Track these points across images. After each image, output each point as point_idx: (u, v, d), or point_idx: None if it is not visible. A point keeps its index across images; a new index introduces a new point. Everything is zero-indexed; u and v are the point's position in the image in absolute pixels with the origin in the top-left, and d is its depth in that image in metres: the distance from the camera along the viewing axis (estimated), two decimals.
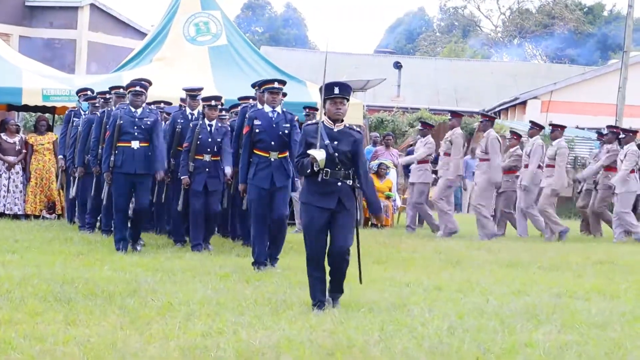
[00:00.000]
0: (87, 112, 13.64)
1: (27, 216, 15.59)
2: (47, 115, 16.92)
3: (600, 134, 17.00)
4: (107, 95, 13.16)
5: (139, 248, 11.52)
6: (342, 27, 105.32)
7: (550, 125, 16.41)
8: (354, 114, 14.11)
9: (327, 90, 7.52)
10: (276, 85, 10.36)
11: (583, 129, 28.49)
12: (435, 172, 16.30)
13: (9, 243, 11.52)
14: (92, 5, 31.92)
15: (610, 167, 15.74)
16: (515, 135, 16.49)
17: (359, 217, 7.95)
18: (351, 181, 7.54)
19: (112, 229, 11.81)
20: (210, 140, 11.71)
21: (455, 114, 16.03)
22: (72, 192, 13.86)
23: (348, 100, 7.62)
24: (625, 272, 10.83)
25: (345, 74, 26.40)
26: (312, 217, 7.53)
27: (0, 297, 7.57)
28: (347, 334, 6.56)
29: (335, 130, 7.55)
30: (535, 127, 15.89)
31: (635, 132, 16.27)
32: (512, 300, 8.31)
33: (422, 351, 6.12)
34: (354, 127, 7.76)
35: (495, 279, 9.88)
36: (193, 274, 9.41)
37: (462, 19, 66.98)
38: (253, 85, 12.06)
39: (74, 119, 14.09)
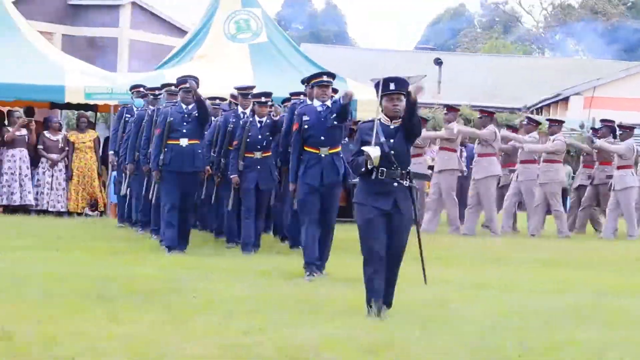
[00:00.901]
0: (140, 109, 13.45)
1: (69, 213, 15.74)
2: (89, 113, 17.05)
3: (594, 129, 16.83)
4: (157, 92, 13.04)
5: (185, 248, 11.25)
6: (382, 23, 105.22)
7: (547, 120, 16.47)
8: None
9: (384, 86, 7.19)
10: (325, 78, 10.00)
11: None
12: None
13: (52, 240, 11.63)
14: (134, 4, 32.09)
15: (606, 161, 15.54)
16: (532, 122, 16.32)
17: (417, 218, 7.48)
18: (408, 182, 7.23)
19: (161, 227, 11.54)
20: (260, 137, 11.46)
21: (452, 108, 16.02)
22: (124, 189, 13.74)
23: (405, 96, 7.24)
24: None
25: (384, 70, 26.32)
26: (369, 217, 7.20)
27: (42, 294, 7.63)
28: (388, 332, 6.54)
29: (392, 127, 7.23)
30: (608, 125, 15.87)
31: (632, 128, 16.12)
32: (554, 299, 8.25)
33: (463, 349, 6.08)
34: None
35: (536, 277, 9.82)
36: (234, 272, 9.44)
37: (503, 15, 66.51)
38: (303, 82, 11.74)
39: (127, 115, 13.97)
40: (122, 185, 13.81)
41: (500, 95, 37.31)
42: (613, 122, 16.49)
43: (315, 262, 9.59)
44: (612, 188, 15.13)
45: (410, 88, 7.14)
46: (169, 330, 6.49)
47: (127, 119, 13.85)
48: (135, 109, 13.74)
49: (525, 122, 16.24)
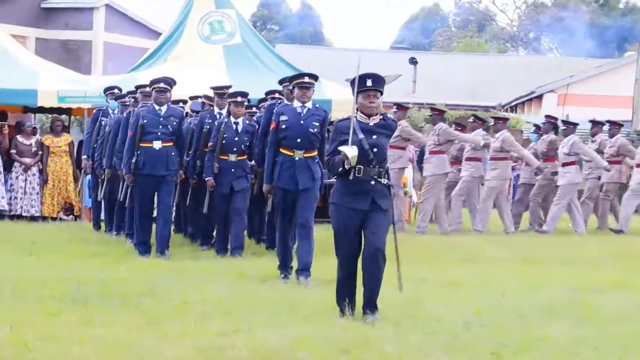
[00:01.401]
0: (115, 112, 13.13)
1: (44, 218, 15.65)
2: (63, 116, 16.98)
3: (537, 126, 16.95)
4: (137, 95, 12.56)
5: (167, 256, 10.88)
6: (357, 23, 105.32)
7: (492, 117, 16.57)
8: None
9: (360, 83, 6.99)
10: (306, 80, 9.61)
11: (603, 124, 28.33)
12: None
13: (26, 245, 11.56)
14: (108, 6, 31.98)
15: (550, 157, 15.64)
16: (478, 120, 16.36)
17: (395, 219, 7.24)
18: (386, 180, 7.03)
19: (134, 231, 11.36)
20: (236, 139, 11.16)
21: (436, 110, 16.12)
22: (100, 194, 13.43)
23: (382, 93, 7.11)
24: None
25: (360, 70, 26.30)
26: (344, 219, 7.04)
27: (16, 298, 7.59)
28: (362, 331, 6.56)
29: (371, 124, 7.06)
30: (551, 122, 15.92)
31: (575, 124, 16.30)
32: (528, 295, 8.30)
33: (437, 347, 6.11)
34: (389, 117, 7.29)
35: (511, 274, 9.86)
36: (209, 274, 9.42)
37: (477, 14, 66.77)
38: (281, 82, 11.59)
39: (102, 118, 13.56)
40: (99, 190, 13.53)
41: (475, 93, 37.46)
42: (556, 118, 16.66)
43: (290, 264, 9.47)
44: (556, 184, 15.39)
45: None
46: (143, 333, 6.46)
47: (102, 122, 13.53)
48: (111, 111, 13.46)
49: (471, 120, 16.22)
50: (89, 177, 15.94)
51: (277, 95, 11.85)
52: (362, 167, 6.94)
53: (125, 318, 6.93)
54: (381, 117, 7.12)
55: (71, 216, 15.93)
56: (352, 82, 7.05)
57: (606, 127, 16.40)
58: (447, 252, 12.06)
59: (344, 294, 7.13)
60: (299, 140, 9.41)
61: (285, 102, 10.67)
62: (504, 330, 6.62)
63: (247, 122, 11.39)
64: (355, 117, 7.07)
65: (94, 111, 14.26)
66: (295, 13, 69.12)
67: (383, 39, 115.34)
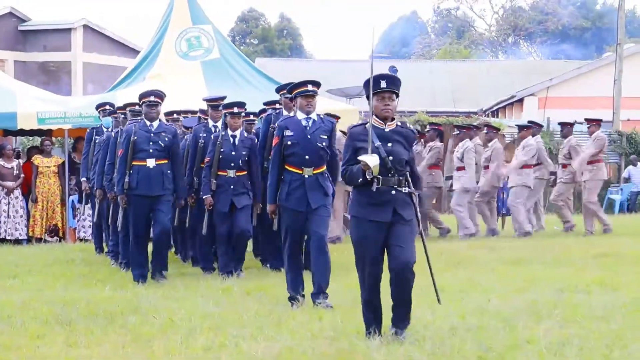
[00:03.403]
0: (109, 129, 12.34)
1: (29, 240, 15.60)
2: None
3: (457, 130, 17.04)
4: (126, 112, 11.89)
5: (163, 279, 10.29)
6: (336, 34, 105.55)
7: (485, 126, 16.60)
8: (350, 120, 14.12)
9: (373, 84, 6.51)
10: (310, 87, 8.71)
11: (581, 123, 28.46)
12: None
13: (10, 268, 11.52)
14: (85, 26, 31.97)
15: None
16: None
17: (421, 228, 6.76)
18: (407, 188, 6.58)
19: (130, 261, 10.71)
20: (234, 153, 10.47)
21: (435, 125, 16.31)
22: (95, 216, 12.87)
23: (398, 95, 6.64)
24: (627, 264, 10.84)
25: (341, 80, 26.40)
26: (366, 233, 6.54)
27: (1, 321, 7.58)
28: (348, 340, 6.57)
29: (387, 130, 6.62)
30: (594, 123, 15.98)
31: (497, 129, 16.43)
32: (514, 298, 8.32)
33: (424, 353, 6.12)
34: (407, 125, 6.82)
35: (497, 278, 9.88)
36: (195, 290, 9.40)
37: (455, 20, 67.03)
38: (278, 90, 11.20)
39: (96, 137, 12.92)
40: (93, 213, 13.03)
41: (457, 99, 37.59)
42: (540, 125, 16.81)
43: (300, 294, 8.50)
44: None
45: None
46: (129, 352, 6.47)
47: (96, 140, 12.82)
48: (105, 129, 12.72)
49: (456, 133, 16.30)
50: (72, 198, 15.95)
51: (277, 105, 11.39)
52: (380, 177, 6.48)
53: (111, 337, 6.93)
54: (399, 123, 6.72)
55: (55, 237, 15.88)
56: (366, 83, 6.59)
57: (584, 127, 16.47)
58: (433, 257, 12.00)
59: (371, 312, 6.68)
60: (307, 157, 8.56)
61: (284, 112, 10.43)
62: (489, 334, 6.65)
63: (246, 134, 10.74)
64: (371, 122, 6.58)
65: (87, 131, 13.69)
66: (274, 26, 69.22)
67: (362, 49, 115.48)
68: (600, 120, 16.42)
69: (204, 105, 11.83)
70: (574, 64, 38.62)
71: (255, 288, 9.39)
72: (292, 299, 8.47)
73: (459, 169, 15.38)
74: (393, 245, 6.52)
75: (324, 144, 8.64)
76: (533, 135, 15.72)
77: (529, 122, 16.72)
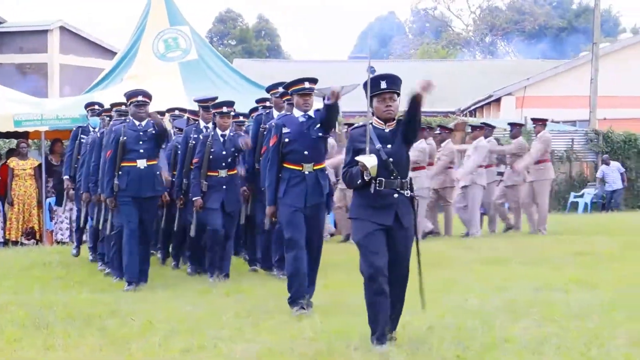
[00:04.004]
0: (96, 129, 12.02)
1: (5, 243, 15.51)
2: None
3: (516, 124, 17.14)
4: (112, 113, 11.62)
5: (142, 283, 9.98)
6: (315, 35, 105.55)
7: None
8: None
9: (373, 85, 6.34)
10: (307, 85, 8.49)
11: (558, 122, 28.63)
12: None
13: None
14: (62, 28, 31.86)
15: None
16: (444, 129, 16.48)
17: (419, 235, 6.56)
18: (409, 191, 6.40)
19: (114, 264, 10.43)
20: (224, 153, 10.33)
21: (445, 128, 16.39)
22: (82, 221, 12.52)
23: (399, 95, 6.45)
24: (604, 262, 10.90)
25: (319, 81, 26.35)
26: (369, 232, 6.32)
27: None
28: (327, 341, 6.55)
29: (387, 130, 6.42)
30: (540, 123, 16.04)
31: (450, 130, 16.54)
32: (492, 297, 8.33)
33: (402, 353, 6.12)
34: None
35: (476, 277, 9.90)
36: (173, 291, 9.38)
37: (433, 20, 67.20)
38: (268, 89, 11.03)
39: (82, 136, 12.66)
40: (81, 216, 12.62)
41: (435, 99, 37.64)
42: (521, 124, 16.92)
43: (305, 295, 8.09)
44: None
45: (418, 83, 6.25)
46: (107, 355, 6.44)
47: (82, 139, 12.55)
48: (91, 129, 12.43)
49: (437, 132, 16.35)
50: (49, 200, 15.87)
51: (267, 103, 11.25)
52: (382, 179, 6.29)
53: (89, 340, 6.89)
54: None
55: (32, 240, 15.80)
56: (365, 85, 6.43)
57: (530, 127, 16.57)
58: (411, 257, 12.06)
59: (377, 315, 6.35)
60: (306, 152, 8.33)
61: (274, 112, 10.34)
62: (468, 333, 6.65)
63: (235, 133, 10.57)
64: (371, 123, 6.42)
65: (74, 129, 13.44)
66: (252, 27, 69.17)
67: (341, 50, 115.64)
68: (546, 120, 16.53)
69: (184, 106, 11.75)
70: (551, 63, 38.83)
71: (233, 289, 9.38)
72: (295, 303, 8.01)
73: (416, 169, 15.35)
74: (390, 256, 6.35)
75: (321, 133, 8.37)
76: (486, 137, 15.77)
77: (510, 122, 16.76)
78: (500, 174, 16.11)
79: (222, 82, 16.88)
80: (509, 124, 16.69)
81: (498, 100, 32.55)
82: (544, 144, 15.55)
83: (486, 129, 15.95)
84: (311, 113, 8.47)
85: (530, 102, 31.03)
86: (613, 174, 23.84)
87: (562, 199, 24.80)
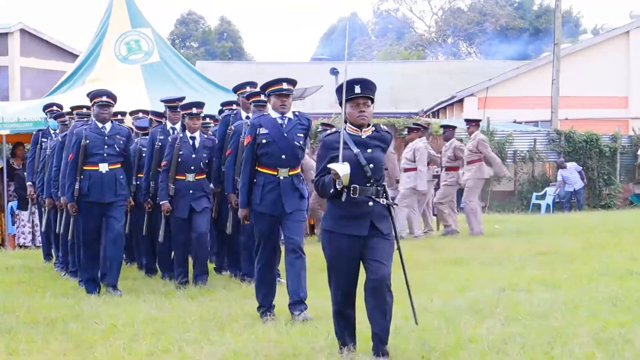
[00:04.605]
0: (57, 131, 11.85)
1: None
2: None
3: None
4: (73, 116, 11.37)
5: (119, 292, 9.60)
6: (277, 37, 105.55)
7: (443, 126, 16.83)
8: None
9: (347, 90, 6.09)
10: (285, 86, 8.10)
11: (520, 122, 28.85)
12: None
13: None
14: (22, 31, 31.58)
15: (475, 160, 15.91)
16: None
17: (399, 243, 6.27)
18: (385, 199, 6.11)
19: (79, 268, 10.22)
20: (194, 156, 10.02)
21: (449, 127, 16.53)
22: (43, 225, 12.38)
23: (373, 100, 6.21)
24: (566, 261, 10.97)
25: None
26: (340, 248, 6.09)
27: None
28: (293, 343, 6.57)
29: (365, 136, 6.16)
30: (473, 123, 16.11)
31: (426, 128, 16.76)
32: (457, 297, 8.37)
33: (368, 354, 6.13)
34: (381, 127, 6.32)
35: (439, 277, 9.95)
36: (137, 294, 9.34)
37: (395, 22, 67.43)
38: (235, 90, 10.77)
39: (42, 139, 12.45)
40: (42, 221, 12.52)
41: (398, 101, 37.79)
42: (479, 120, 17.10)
43: (271, 305, 7.93)
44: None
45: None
46: (71, 359, 6.39)
47: (43, 143, 12.32)
48: (52, 131, 12.27)
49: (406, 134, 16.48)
50: (11, 204, 15.73)
51: (234, 106, 11.05)
52: (357, 186, 6.02)
53: (52, 345, 6.85)
54: (373, 128, 6.22)
55: None
56: (339, 89, 6.19)
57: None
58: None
59: (343, 329, 6.26)
60: (283, 157, 8.00)
61: (242, 112, 10.20)
62: (432, 333, 6.69)
63: (205, 136, 10.30)
64: (345, 129, 6.15)
65: (34, 133, 13.22)
66: (214, 29, 69.00)
67: (303, 52, 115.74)
68: (479, 121, 16.70)
69: (147, 109, 11.55)
70: (513, 64, 39.09)
71: (198, 292, 9.37)
72: (264, 311, 7.85)
73: (407, 170, 15.44)
74: (371, 260, 6.07)
75: (300, 142, 8.10)
76: (420, 137, 15.85)
77: (466, 119, 16.84)
78: (436, 176, 16.23)
79: (185, 84, 16.80)
80: (465, 120, 16.76)
81: (461, 101, 32.71)
82: (478, 145, 15.67)
83: (421, 130, 16.07)
84: (290, 115, 8.16)
85: (492, 102, 31.22)
86: (572, 175, 24.04)
87: (525, 199, 25.00)
